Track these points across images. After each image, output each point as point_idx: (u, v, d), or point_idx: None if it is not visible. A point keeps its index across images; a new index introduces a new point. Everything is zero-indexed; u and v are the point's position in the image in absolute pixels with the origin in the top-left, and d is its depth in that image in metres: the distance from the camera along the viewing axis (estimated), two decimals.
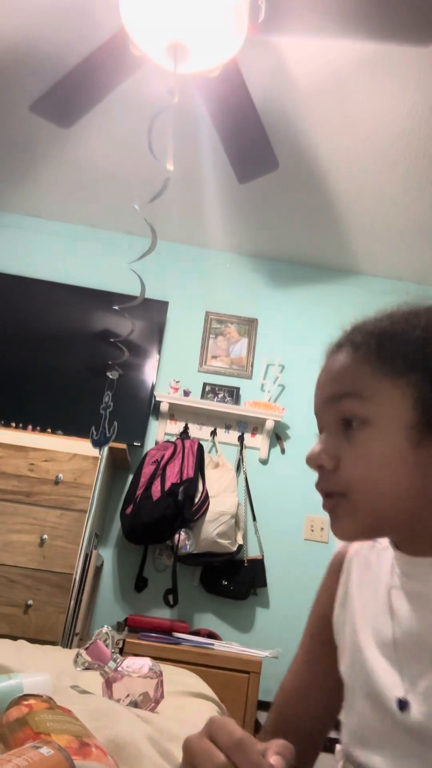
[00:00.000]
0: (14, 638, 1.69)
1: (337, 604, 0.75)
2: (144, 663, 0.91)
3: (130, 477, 2.83)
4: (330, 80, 2.23)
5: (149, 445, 2.96)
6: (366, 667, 0.66)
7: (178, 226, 3.24)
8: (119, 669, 0.89)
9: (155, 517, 2.55)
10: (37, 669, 0.65)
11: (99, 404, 2.57)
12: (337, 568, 0.78)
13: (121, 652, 2.37)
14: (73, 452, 2.38)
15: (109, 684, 0.88)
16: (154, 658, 1.02)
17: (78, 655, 1.01)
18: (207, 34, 1.66)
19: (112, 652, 0.99)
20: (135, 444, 2.87)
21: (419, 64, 2.12)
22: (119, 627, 2.53)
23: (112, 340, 2.79)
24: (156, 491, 2.62)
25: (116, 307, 2.64)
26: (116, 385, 2.68)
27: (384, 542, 0.74)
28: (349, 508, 0.63)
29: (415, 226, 2.94)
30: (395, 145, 2.48)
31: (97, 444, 2.39)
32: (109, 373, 2.72)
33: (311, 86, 2.26)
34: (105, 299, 3.10)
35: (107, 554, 2.82)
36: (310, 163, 2.63)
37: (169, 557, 2.76)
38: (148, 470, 2.72)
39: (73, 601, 2.20)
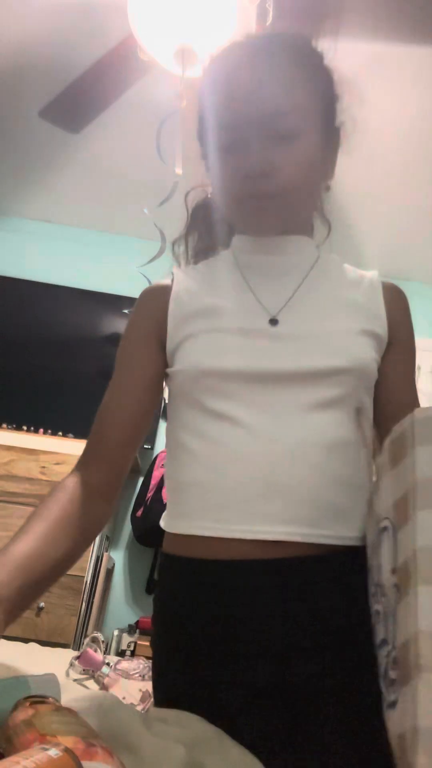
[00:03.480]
0: (26, 641, 1.70)
1: (172, 308, 0.83)
2: (138, 662, 0.92)
3: (141, 480, 2.84)
4: None
5: (159, 447, 2.96)
6: (226, 311, 0.80)
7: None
8: (115, 670, 0.89)
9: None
10: (45, 670, 0.66)
11: None
12: (159, 293, 0.86)
13: (133, 654, 2.38)
14: None
15: (105, 689, 0.88)
16: None
17: (71, 665, 1.01)
18: (215, 38, 1.67)
19: (104, 657, 0.99)
20: (145, 447, 2.87)
21: (429, 64, 2.11)
22: (131, 629, 2.54)
23: None
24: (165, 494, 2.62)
25: (126, 311, 2.66)
26: None
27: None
28: (279, 206, 0.77)
29: (427, 228, 2.93)
30: (405, 146, 2.47)
31: None
32: None
33: None
34: (115, 303, 3.11)
35: (118, 557, 2.83)
36: None
37: None
38: (158, 473, 2.72)
39: (84, 604, 2.21)
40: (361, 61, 2.14)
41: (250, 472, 0.72)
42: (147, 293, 0.89)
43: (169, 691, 0.75)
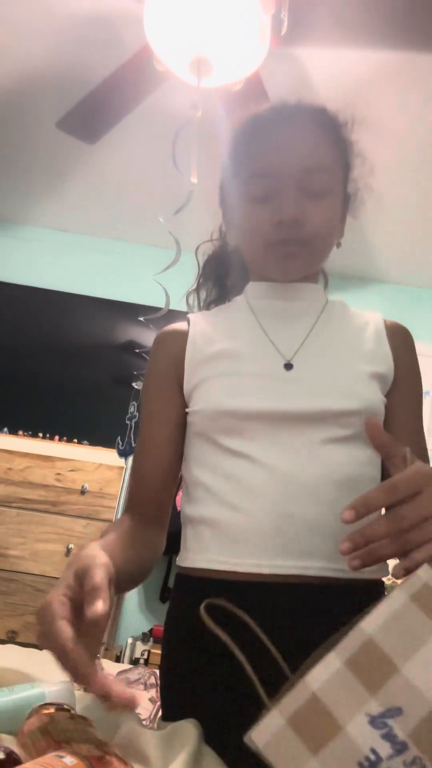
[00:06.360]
0: (40, 648, 1.70)
1: (189, 351, 0.86)
2: (139, 671, 0.91)
3: None
4: (352, 91, 2.23)
5: None
6: (244, 352, 0.84)
7: (202, 238, 3.26)
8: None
9: (179, 526, 2.55)
10: (60, 677, 0.66)
11: (124, 414, 2.59)
12: (176, 336, 0.89)
13: (147, 662, 2.37)
14: (98, 462, 2.40)
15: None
16: None
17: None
18: (230, 49, 1.68)
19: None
20: None
21: None
22: (144, 637, 2.53)
23: (137, 351, 2.81)
24: (179, 501, 2.62)
25: (141, 319, 2.67)
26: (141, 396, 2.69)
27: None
28: (306, 253, 0.83)
29: None
30: (419, 155, 2.46)
31: (123, 454, 2.40)
32: (134, 384, 2.74)
33: (334, 97, 2.25)
34: (130, 311, 3.13)
35: None
36: None
37: None
38: None
39: None
40: (374, 71, 2.14)
41: (267, 507, 0.74)
42: (163, 337, 0.91)
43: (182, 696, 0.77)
